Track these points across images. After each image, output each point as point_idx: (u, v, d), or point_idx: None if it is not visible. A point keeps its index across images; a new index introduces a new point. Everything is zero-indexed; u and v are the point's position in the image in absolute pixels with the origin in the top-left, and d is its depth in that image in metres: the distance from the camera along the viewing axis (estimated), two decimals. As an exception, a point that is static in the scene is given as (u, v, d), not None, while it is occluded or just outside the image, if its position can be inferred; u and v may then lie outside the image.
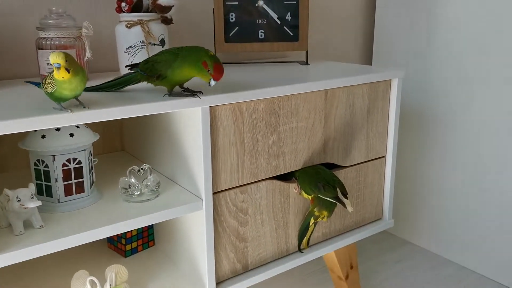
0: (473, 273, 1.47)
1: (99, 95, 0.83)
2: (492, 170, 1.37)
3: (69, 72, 0.67)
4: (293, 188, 1.01)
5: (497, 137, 1.34)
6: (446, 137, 1.48)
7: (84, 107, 0.72)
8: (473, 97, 1.38)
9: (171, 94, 0.82)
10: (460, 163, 1.45)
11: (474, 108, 1.39)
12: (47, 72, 0.93)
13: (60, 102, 0.71)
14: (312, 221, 1.02)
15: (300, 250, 1.05)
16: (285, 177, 1.01)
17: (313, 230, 1.05)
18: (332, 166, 1.09)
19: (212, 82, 0.78)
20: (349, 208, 0.97)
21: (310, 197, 0.99)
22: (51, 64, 0.91)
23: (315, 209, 1.00)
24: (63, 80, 0.68)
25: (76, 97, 0.72)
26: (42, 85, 0.72)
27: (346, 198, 0.98)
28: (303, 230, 1.03)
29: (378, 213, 1.22)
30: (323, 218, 1.01)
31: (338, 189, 0.99)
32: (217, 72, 0.77)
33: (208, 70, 0.77)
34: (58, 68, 0.67)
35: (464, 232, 1.48)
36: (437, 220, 1.55)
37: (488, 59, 1.33)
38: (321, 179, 0.98)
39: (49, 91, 0.70)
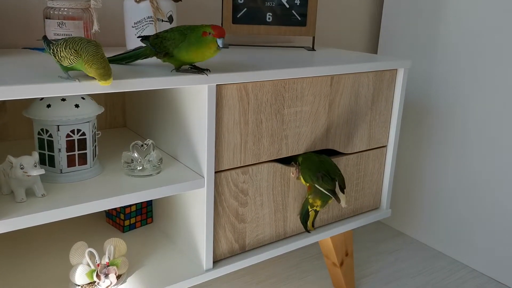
0: (466, 267, 1.48)
1: (105, 68, 0.83)
2: (491, 166, 1.38)
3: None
4: (291, 172, 1.01)
5: (499, 132, 1.35)
6: (447, 131, 1.48)
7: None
8: (477, 91, 1.38)
9: (179, 70, 0.82)
10: (460, 157, 1.46)
11: (477, 102, 1.39)
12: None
13: (67, 71, 0.71)
14: (309, 208, 1.02)
15: (307, 231, 1.06)
16: (286, 161, 1.01)
17: (315, 215, 1.05)
18: (334, 153, 1.09)
19: (219, 41, 0.77)
20: (343, 203, 0.98)
21: (307, 184, 1.00)
22: (59, 34, 0.91)
23: (309, 197, 1.01)
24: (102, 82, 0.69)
25: None
26: (55, 55, 0.71)
27: (343, 192, 0.98)
28: (304, 215, 1.04)
29: (376, 202, 1.22)
30: (316, 207, 1.01)
31: (337, 183, 0.98)
32: (217, 30, 0.77)
33: (210, 34, 0.77)
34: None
35: (458, 226, 1.49)
36: (433, 213, 1.57)
37: (495, 53, 1.33)
38: (322, 169, 0.98)
39: (64, 65, 0.69)
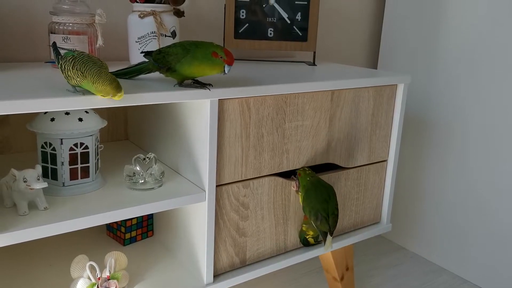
0: (466, 281, 1.48)
1: (109, 82, 0.84)
2: (492, 180, 1.38)
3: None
4: (292, 186, 1.01)
5: (499, 147, 1.35)
6: (447, 145, 1.49)
7: None
8: (476, 106, 1.39)
9: (181, 85, 0.83)
10: (460, 172, 1.46)
11: (476, 117, 1.40)
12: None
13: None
14: (305, 235, 1.03)
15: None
16: (286, 175, 1.01)
17: (314, 243, 1.06)
18: (334, 167, 1.10)
19: (227, 68, 0.79)
20: (325, 248, 0.98)
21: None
22: (63, 49, 0.92)
23: (304, 226, 1.02)
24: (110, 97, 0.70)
25: None
26: (63, 71, 0.72)
27: (331, 235, 0.98)
28: (304, 243, 1.05)
29: (377, 217, 1.22)
30: (309, 236, 1.03)
31: (330, 225, 0.97)
32: (229, 57, 0.79)
33: (220, 57, 0.78)
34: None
35: (459, 240, 1.49)
36: (433, 227, 1.57)
37: (495, 67, 1.34)
38: (324, 209, 0.96)
39: (72, 84, 0.71)
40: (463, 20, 1.40)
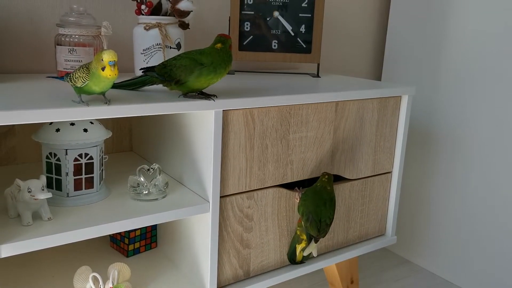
0: (473, 295, 1.46)
1: (115, 93, 0.85)
2: (498, 193, 1.37)
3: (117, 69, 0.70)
4: (295, 197, 1.01)
5: (506, 158, 1.35)
6: (452, 157, 1.48)
7: (106, 103, 0.73)
8: (481, 118, 1.39)
9: (186, 96, 0.83)
10: (466, 184, 1.45)
11: (481, 129, 1.39)
12: (64, 68, 0.94)
13: (81, 95, 0.72)
14: (297, 244, 1.01)
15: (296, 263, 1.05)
16: (290, 186, 1.01)
17: (302, 256, 1.04)
18: (339, 178, 1.09)
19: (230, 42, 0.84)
20: (306, 251, 0.97)
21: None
22: (69, 61, 0.93)
23: (298, 229, 1.00)
24: (109, 78, 0.69)
25: (103, 93, 0.74)
26: (70, 79, 0.73)
27: (316, 242, 0.97)
28: (291, 253, 1.03)
29: (381, 229, 1.22)
30: (303, 241, 0.99)
31: (319, 230, 0.96)
32: (227, 36, 0.84)
33: (229, 46, 0.83)
34: (113, 65, 0.68)
35: (466, 254, 1.47)
36: (439, 241, 1.55)
37: (499, 78, 1.34)
38: (317, 213, 0.95)
39: (79, 86, 0.71)
40: (466, 31, 1.40)
